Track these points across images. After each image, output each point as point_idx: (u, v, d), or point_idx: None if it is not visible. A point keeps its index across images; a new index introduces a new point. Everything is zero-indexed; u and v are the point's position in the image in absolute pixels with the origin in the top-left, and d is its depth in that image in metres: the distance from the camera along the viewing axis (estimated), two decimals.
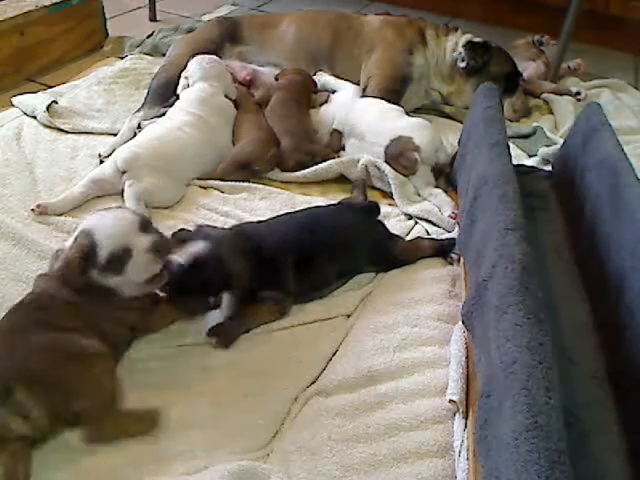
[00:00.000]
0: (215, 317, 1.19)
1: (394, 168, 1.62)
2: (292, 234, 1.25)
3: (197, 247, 1.11)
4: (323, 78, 1.96)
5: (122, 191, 1.45)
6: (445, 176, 1.69)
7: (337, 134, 1.79)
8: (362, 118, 1.74)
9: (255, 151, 1.64)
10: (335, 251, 1.28)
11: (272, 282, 1.20)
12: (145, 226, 1.06)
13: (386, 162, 1.64)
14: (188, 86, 1.76)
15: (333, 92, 1.90)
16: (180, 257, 1.09)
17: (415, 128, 1.67)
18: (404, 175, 1.62)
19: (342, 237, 1.31)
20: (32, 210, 1.40)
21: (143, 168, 1.47)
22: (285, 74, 1.88)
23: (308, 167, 1.66)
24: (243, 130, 1.72)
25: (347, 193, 1.62)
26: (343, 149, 1.78)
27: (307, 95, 1.85)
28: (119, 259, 1.02)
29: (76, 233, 1.04)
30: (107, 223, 1.03)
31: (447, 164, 1.67)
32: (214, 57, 1.83)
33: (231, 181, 1.60)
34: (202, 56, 1.81)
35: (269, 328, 1.19)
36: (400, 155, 1.63)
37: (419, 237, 1.46)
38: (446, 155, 1.68)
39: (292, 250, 1.22)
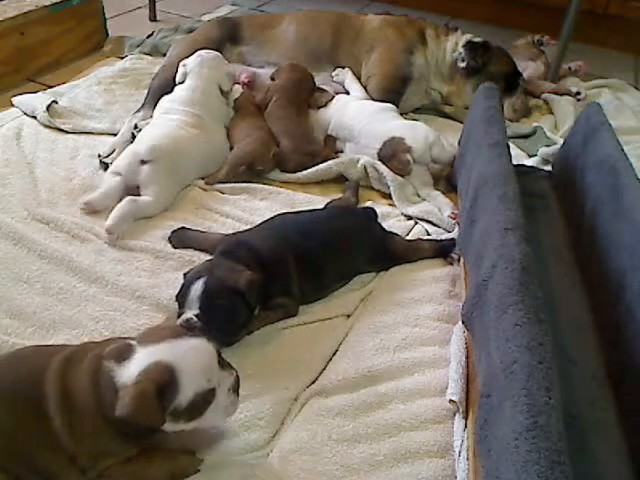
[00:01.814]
0: None
1: (389, 169, 1.62)
2: (291, 238, 1.25)
3: (197, 289, 1.09)
4: (343, 76, 1.94)
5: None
6: (445, 177, 1.69)
7: (331, 140, 1.80)
8: (355, 121, 1.74)
9: (256, 150, 1.64)
10: (333, 254, 1.28)
11: (278, 288, 1.20)
12: (221, 360, 0.90)
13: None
14: (185, 74, 1.76)
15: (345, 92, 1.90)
16: (191, 309, 1.08)
17: (407, 128, 1.68)
18: (399, 176, 1.62)
19: (339, 240, 1.31)
20: (82, 209, 1.42)
21: (164, 163, 1.47)
22: (282, 73, 1.87)
23: (308, 168, 1.66)
24: (239, 131, 1.72)
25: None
26: (341, 152, 1.79)
27: (305, 94, 1.84)
28: (202, 403, 0.85)
29: (143, 364, 0.82)
30: (190, 354, 0.84)
31: (447, 165, 1.67)
32: (215, 52, 1.84)
33: (231, 182, 1.60)
34: (204, 50, 1.82)
35: (269, 328, 1.19)
36: (392, 157, 1.63)
37: (419, 238, 1.46)
38: (444, 151, 1.66)
39: (292, 254, 1.22)
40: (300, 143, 1.69)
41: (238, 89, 1.90)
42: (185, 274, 1.16)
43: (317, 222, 1.33)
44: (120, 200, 1.41)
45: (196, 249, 1.36)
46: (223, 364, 0.89)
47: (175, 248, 1.36)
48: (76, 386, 0.83)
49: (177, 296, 1.14)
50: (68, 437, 0.82)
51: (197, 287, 1.09)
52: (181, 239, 1.38)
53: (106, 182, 1.47)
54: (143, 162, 1.46)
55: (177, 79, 1.77)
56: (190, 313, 1.08)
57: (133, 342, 0.86)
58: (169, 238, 1.38)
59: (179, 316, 1.11)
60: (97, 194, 1.45)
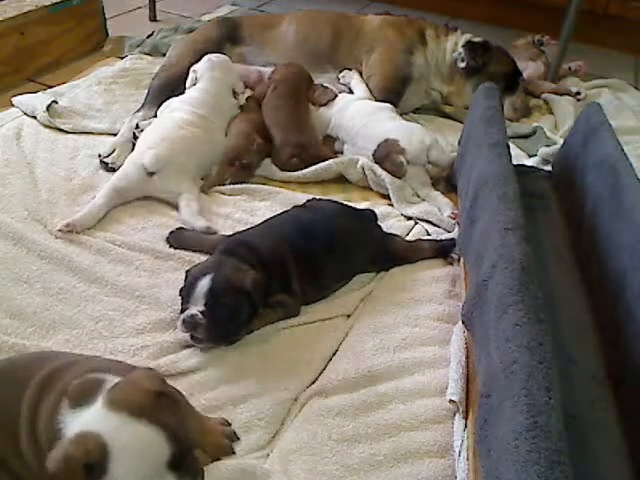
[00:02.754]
0: None
1: (385, 171, 1.62)
2: (291, 238, 1.25)
3: (203, 286, 1.10)
4: (349, 78, 1.95)
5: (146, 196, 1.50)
6: (445, 178, 1.69)
7: (330, 140, 1.80)
8: (353, 122, 1.74)
9: (238, 144, 1.65)
10: (333, 254, 1.28)
11: (278, 287, 1.20)
12: (178, 461, 0.76)
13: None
14: (196, 79, 1.77)
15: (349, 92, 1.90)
16: (196, 306, 1.09)
17: (402, 130, 1.67)
18: (395, 177, 1.61)
19: (339, 240, 1.30)
20: (59, 230, 1.34)
21: (171, 167, 1.48)
22: (278, 70, 1.88)
23: (303, 160, 1.66)
24: (229, 129, 1.74)
25: (347, 193, 1.63)
26: (340, 153, 1.78)
27: (301, 87, 1.83)
28: None
29: (87, 425, 0.74)
30: (131, 445, 0.73)
31: (446, 168, 1.67)
32: (224, 55, 1.85)
33: (231, 184, 1.60)
34: (213, 54, 1.84)
35: (269, 328, 1.19)
36: (385, 158, 1.63)
37: (419, 239, 1.46)
38: (442, 154, 1.66)
39: (291, 254, 1.22)
40: (289, 135, 1.69)
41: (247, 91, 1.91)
42: (187, 271, 1.17)
43: (317, 222, 1.33)
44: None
45: (195, 250, 1.35)
46: (182, 468, 0.76)
47: (174, 249, 1.36)
48: (42, 415, 0.77)
49: (181, 291, 1.14)
50: (38, 470, 0.76)
51: (203, 284, 1.10)
52: (179, 239, 1.37)
53: (92, 203, 1.42)
54: (151, 174, 1.47)
55: (187, 85, 1.78)
56: (195, 309, 1.09)
57: (109, 379, 0.79)
58: (167, 239, 1.38)
59: (183, 311, 1.11)
60: (81, 215, 1.39)
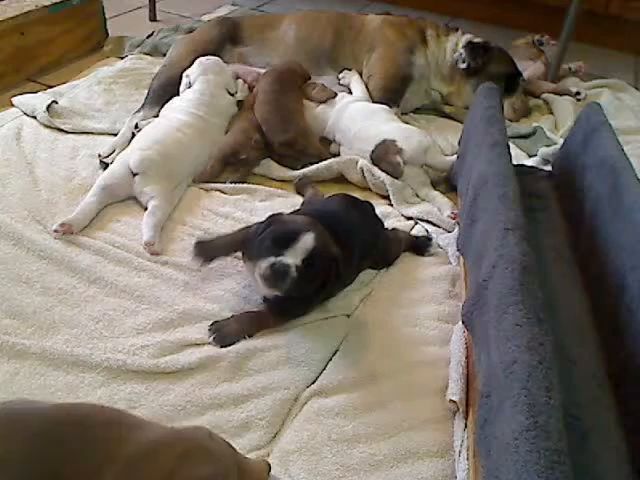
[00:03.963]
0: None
1: (382, 172, 1.62)
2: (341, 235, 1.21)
3: (307, 242, 1.07)
4: (349, 79, 1.95)
5: (134, 196, 1.48)
6: (445, 178, 1.69)
7: (326, 142, 1.80)
8: (350, 125, 1.74)
9: (236, 140, 1.65)
10: (365, 253, 1.28)
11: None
12: None
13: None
14: (190, 84, 1.77)
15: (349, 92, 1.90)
16: (293, 257, 1.06)
17: (400, 131, 1.67)
18: (392, 177, 1.61)
19: (370, 239, 1.30)
20: (55, 231, 1.33)
21: (155, 172, 1.47)
22: (272, 67, 1.88)
23: (291, 156, 1.67)
24: (230, 126, 1.75)
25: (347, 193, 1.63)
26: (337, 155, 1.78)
27: (288, 80, 1.81)
28: None
29: None
30: None
31: (443, 171, 1.67)
32: (215, 57, 1.85)
33: (230, 182, 1.61)
34: (204, 57, 1.84)
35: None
36: (382, 158, 1.63)
37: (395, 228, 1.45)
38: (438, 156, 1.67)
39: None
40: (274, 133, 1.69)
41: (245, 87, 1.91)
42: (272, 217, 1.14)
43: (356, 221, 1.29)
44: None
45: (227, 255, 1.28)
46: None
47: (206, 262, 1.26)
48: None
49: (273, 235, 1.09)
50: None
51: (308, 239, 1.07)
52: (206, 250, 1.26)
53: (84, 202, 1.41)
54: (135, 174, 1.46)
55: (181, 89, 1.78)
56: (291, 259, 1.06)
57: None
58: (194, 256, 1.24)
59: (267, 255, 1.06)
60: (75, 214, 1.38)
